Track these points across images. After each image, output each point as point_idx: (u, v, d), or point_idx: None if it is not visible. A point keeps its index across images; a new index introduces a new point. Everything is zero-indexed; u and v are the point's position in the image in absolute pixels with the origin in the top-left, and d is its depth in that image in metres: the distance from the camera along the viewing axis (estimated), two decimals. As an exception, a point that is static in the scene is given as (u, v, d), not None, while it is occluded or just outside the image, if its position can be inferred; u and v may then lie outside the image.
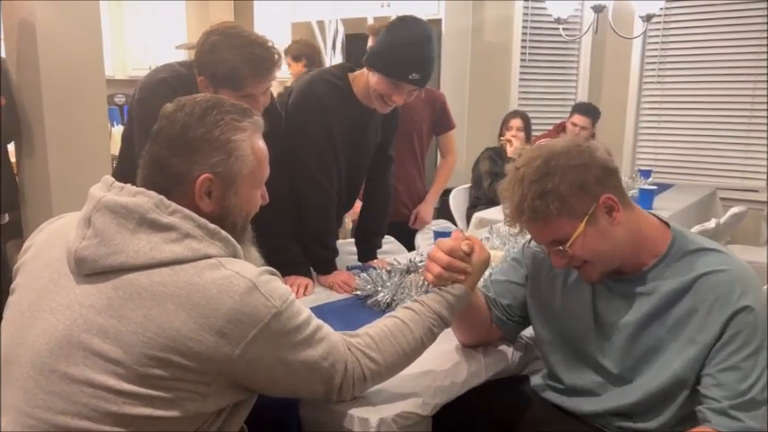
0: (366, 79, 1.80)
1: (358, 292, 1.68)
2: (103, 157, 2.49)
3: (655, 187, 3.17)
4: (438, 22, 3.80)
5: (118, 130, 3.34)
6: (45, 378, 0.90)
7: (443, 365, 1.29)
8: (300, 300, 1.66)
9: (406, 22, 1.76)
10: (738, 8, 3.83)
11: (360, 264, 2.04)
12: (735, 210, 2.98)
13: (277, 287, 0.97)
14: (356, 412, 1.11)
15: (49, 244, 1.04)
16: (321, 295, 1.74)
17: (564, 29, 3.59)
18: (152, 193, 0.96)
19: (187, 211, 0.96)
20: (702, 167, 4.13)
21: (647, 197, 3.04)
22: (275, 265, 1.05)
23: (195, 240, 0.94)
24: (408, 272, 1.72)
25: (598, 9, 3.31)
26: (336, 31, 3.97)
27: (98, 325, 0.90)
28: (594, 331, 1.27)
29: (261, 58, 1.55)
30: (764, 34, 3.73)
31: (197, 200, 0.99)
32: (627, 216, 1.19)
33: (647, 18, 3.28)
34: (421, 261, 1.77)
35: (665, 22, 4.09)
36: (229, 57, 1.53)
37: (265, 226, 1.18)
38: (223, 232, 0.98)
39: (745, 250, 3.39)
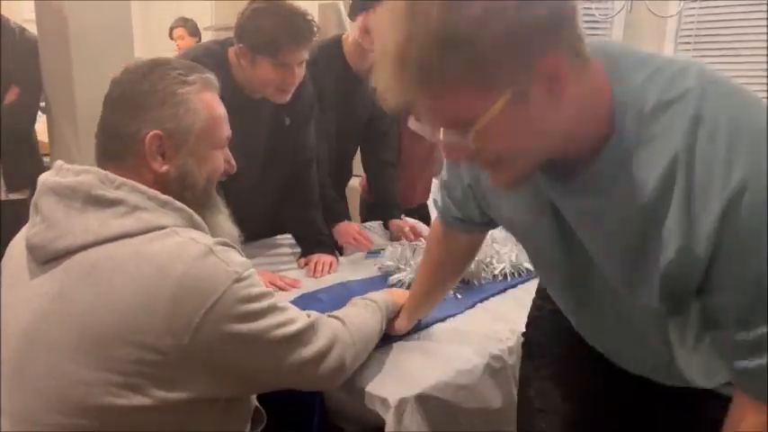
0: (354, 40, 1.93)
1: (379, 260, 1.76)
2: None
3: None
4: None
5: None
6: (24, 378, 0.86)
7: (463, 348, 1.28)
8: (326, 277, 1.70)
9: None
10: (780, -15, 3.69)
11: (379, 251, 2.01)
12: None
13: (236, 257, 0.90)
14: (377, 392, 1.12)
15: (22, 233, 0.98)
16: (345, 272, 1.74)
17: (597, 8, 3.50)
18: (96, 169, 0.91)
19: (135, 183, 0.90)
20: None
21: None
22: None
23: (146, 212, 0.88)
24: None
25: (632, -13, 3.21)
26: (363, 11, 3.95)
27: (53, 312, 0.85)
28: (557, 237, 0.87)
29: (299, 27, 1.59)
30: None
31: (149, 160, 0.93)
32: (576, 83, 0.68)
33: (684, -5, 3.17)
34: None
35: (701, 0, 3.96)
36: (269, 24, 1.57)
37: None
38: (177, 202, 0.92)
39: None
